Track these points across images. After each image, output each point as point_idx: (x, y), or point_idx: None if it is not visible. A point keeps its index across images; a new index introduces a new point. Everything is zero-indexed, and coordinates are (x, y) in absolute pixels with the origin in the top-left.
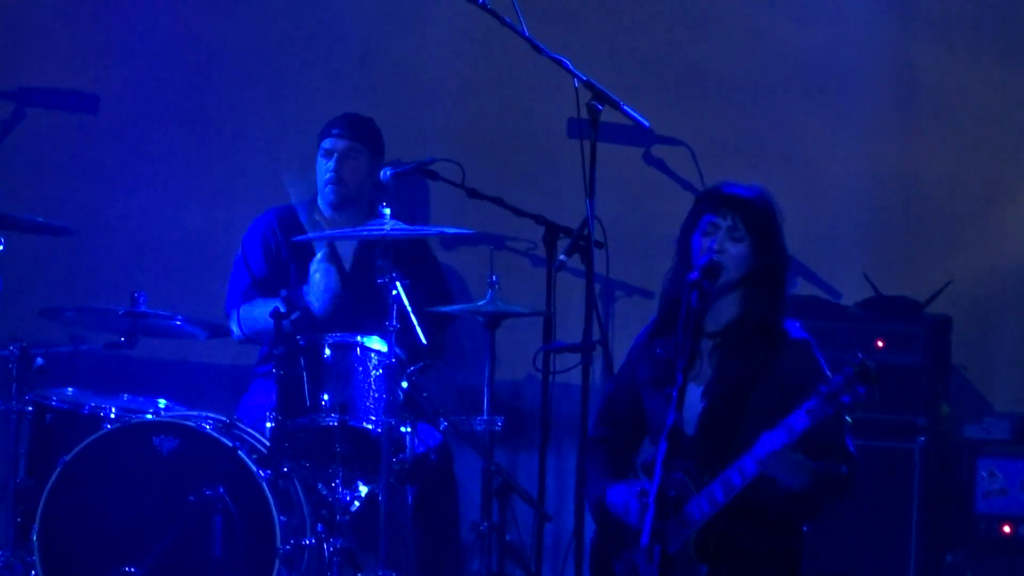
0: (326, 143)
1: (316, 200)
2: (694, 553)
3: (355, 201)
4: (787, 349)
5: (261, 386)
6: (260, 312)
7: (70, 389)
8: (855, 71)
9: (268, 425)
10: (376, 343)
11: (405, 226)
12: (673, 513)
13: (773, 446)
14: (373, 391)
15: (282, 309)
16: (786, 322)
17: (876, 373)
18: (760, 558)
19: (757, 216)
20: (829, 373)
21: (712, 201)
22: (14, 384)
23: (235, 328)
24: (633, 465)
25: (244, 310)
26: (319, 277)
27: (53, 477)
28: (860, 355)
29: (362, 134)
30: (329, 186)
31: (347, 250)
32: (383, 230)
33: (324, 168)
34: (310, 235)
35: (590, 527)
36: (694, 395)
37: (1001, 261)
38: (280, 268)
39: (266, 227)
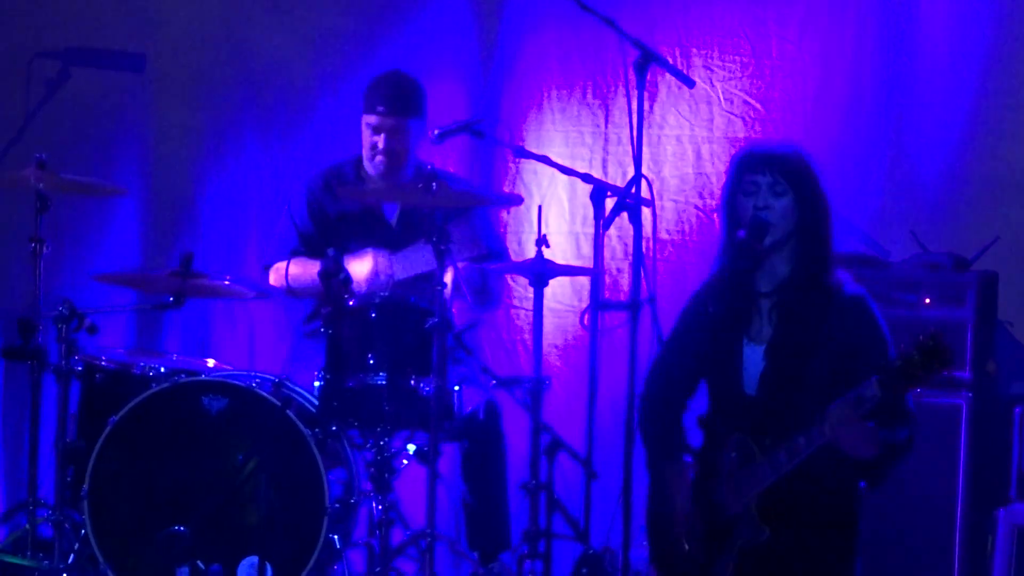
0: (371, 119)
1: (362, 158)
2: (757, 516)
3: (404, 166)
4: (843, 304)
5: (309, 345)
6: (310, 271)
7: (120, 349)
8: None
9: (316, 384)
10: (423, 302)
11: (453, 185)
12: (733, 474)
13: (843, 414)
14: (421, 349)
15: (328, 267)
16: (838, 274)
17: (949, 349)
18: (822, 523)
19: (796, 169)
20: (887, 329)
21: (749, 160)
22: (64, 344)
23: (274, 278)
24: (683, 426)
25: (294, 264)
26: (366, 270)
27: (102, 437)
28: (934, 333)
29: (407, 107)
30: (378, 158)
31: (393, 207)
32: (431, 192)
33: (370, 140)
34: (359, 193)
35: (638, 485)
36: (755, 355)
37: None
38: (326, 226)
39: (312, 185)
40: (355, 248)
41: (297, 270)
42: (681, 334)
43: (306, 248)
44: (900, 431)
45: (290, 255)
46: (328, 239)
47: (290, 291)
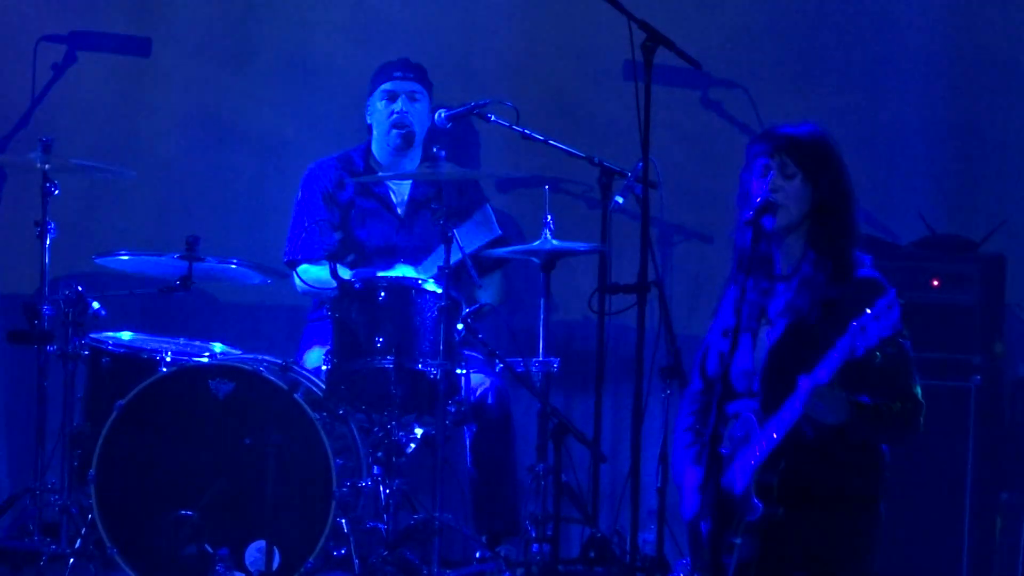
0: (387, 85)
1: (370, 146)
2: (754, 490)
3: (415, 145)
4: (856, 286)
5: (316, 329)
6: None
7: (126, 333)
8: (911, 12)
9: (324, 368)
10: (431, 285)
11: (460, 169)
12: (740, 452)
13: (813, 383)
14: (429, 333)
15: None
16: (859, 256)
17: (906, 309)
18: (823, 499)
19: (807, 151)
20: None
21: (762, 144)
22: (70, 328)
23: (298, 283)
24: (726, 416)
25: (313, 271)
26: None
27: (109, 421)
28: (892, 291)
29: (422, 76)
30: (394, 129)
31: (401, 193)
32: (438, 172)
33: (386, 110)
34: (368, 177)
35: (646, 468)
36: (769, 336)
37: None
38: (339, 215)
39: (322, 175)
40: (365, 236)
41: (317, 275)
42: (714, 325)
43: (319, 244)
44: (890, 401)
45: (303, 248)
46: (340, 226)
47: (310, 293)
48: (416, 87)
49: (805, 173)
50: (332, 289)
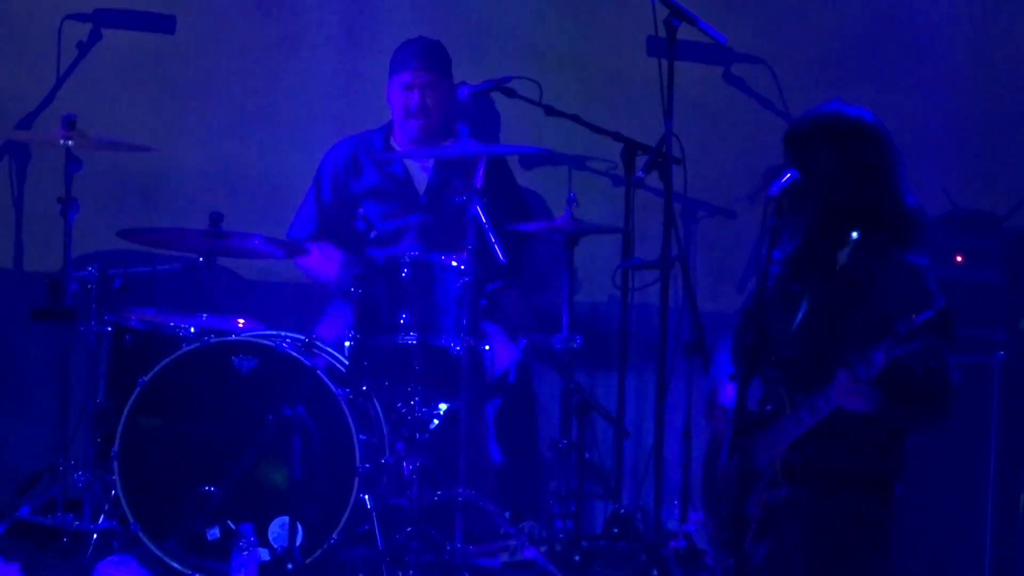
0: (405, 76)
1: (392, 126)
2: (780, 472)
3: (435, 131)
4: (897, 271)
5: (339, 306)
6: (323, 269)
7: (149, 310)
8: None
9: (347, 344)
10: (454, 262)
11: (483, 144)
12: (767, 426)
13: (850, 378)
14: (452, 309)
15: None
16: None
17: (953, 322)
18: (847, 483)
19: (836, 132)
20: (938, 293)
21: (792, 126)
22: (93, 305)
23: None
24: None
25: (311, 260)
26: None
27: (132, 398)
28: (942, 302)
29: (439, 64)
30: (412, 120)
31: (425, 170)
32: (461, 148)
33: (405, 101)
34: (389, 154)
35: (669, 444)
36: (796, 311)
37: None
38: (348, 202)
39: (338, 157)
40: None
41: (317, 260)
42: (752, 292)
43: (325, 227)
44: (922, 388)
45: (306, 228)
46: (354, 215)
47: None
48: (434, 77)
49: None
50: (313, 276)
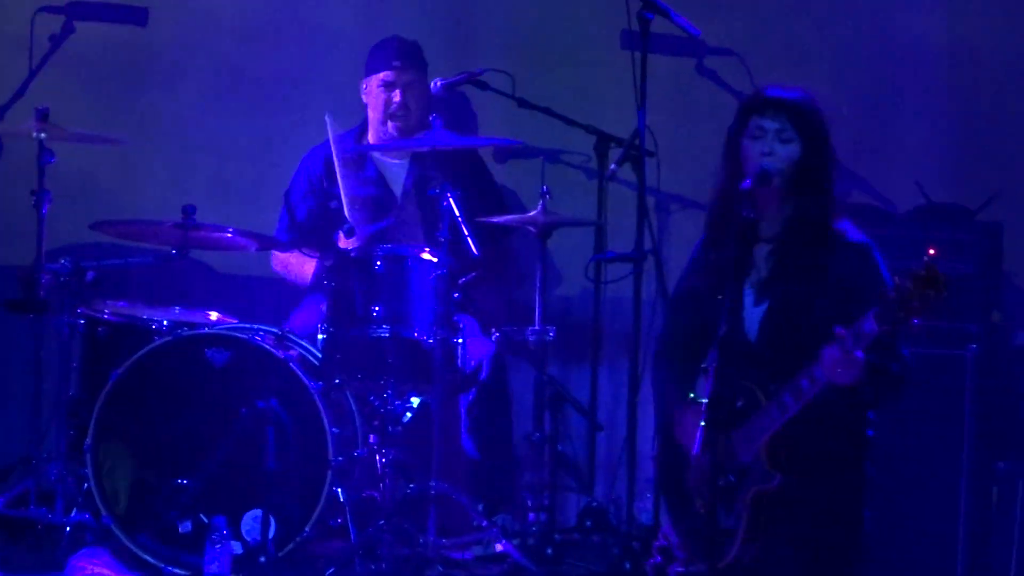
0: (387, 75)
1: (365, 128)
2: (767, 462)
3: (417, 127)
4: (846, 252)
5: (313, 299)
6: (296, 271)
7: (122, 302)
8: None
9: (320, 337)
10: (427, 254)
11: (456, 136)
12: (741, 422)
13: (840, 351)
14: (425, 302)
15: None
16: (841, 223)
17: (944, 276)
18: (831, 467)
19: (804, 117)
20: (889, 277)
21: (758, 105)
22: (66, 297)
23: (274, 262)
24: (697, 376)
25: (281, 262)
26: None
27: (105, 390)
28: (927, 258)
29: (418, 62)
30: (392, 120)
31: (401, 167)
32: (434, 141)
33: (386, 99)
34: (361, 147)
35: (642, 437)
36: (756, 302)
37: None
38: (324, 211)
39: (312, 167)
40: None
41: (285, 267)
42: (686, 285)
43: (298, 235)
44: (889, 362)
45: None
46: (325, 216)
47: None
48: (413, 76)
49: (802, 139)
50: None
